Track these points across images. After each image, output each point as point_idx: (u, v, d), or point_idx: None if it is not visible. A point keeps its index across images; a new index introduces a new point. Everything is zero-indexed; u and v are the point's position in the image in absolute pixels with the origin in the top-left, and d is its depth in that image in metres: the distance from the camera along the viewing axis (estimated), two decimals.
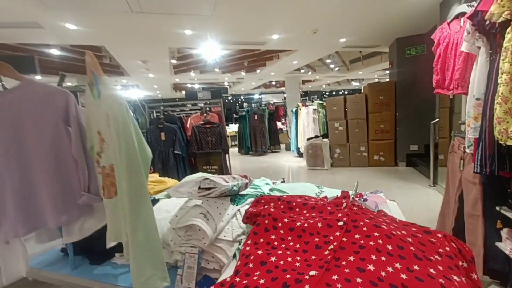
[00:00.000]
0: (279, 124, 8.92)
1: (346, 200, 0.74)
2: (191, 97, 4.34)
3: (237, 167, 6.17)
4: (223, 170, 3.32)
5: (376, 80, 11.62)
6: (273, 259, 0.58)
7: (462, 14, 1.84)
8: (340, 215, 0.66)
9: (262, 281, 0.52)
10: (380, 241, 0.55)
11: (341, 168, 5.27)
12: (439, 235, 0.58)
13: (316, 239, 0.62)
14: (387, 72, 6.35)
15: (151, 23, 3.69)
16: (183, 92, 10.58)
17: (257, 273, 0.55)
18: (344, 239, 0.59)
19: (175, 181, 1.59)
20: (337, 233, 0.61)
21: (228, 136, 8.38)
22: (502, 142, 1.24)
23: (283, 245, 0.64)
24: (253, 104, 9.67)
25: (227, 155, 3.63)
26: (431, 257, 0.51)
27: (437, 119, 3.71)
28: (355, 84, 13.73)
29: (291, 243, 0.64)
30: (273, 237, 0.67)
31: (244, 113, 7.64)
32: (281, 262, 0.56)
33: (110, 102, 0.85)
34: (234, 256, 0.86)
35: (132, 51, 5.13)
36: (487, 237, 1.63)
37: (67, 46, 5.06)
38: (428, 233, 0.60)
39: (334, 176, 4.85)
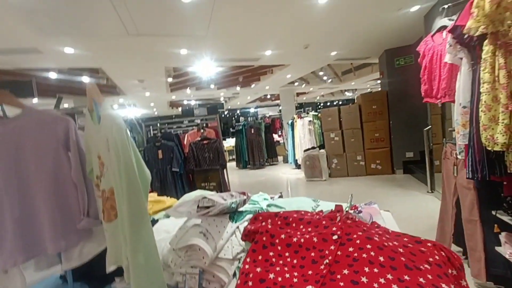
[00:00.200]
0: (275, 136, 8.99)
1: (340, 213, 0.76)
2: (188, 113, 4.41)
3: (236, 181, 6.15)
4: (222, 186, 3.33)
5: (369, 89, 11.86)
6: (271, 276, 0.60)
7: (444, 27, 1.94)
8: (334, 228, 0.68)
9: None
10: (372, 253, 0.57)
11: (339, 178, 5.29)
12: (429, 244, 0.60)
13: (312, 254, 0.64)
14: (379, 81, 6.51)
15: (147, 44, 3.80)
16: (180, 109, 10.70)
17: None
18: (339, 252, 0.61)
19: (174, 200, 1.60)
20: (332, 247, 0.63)
21: (225, 151, 8.43)
22: (489, 148, 1.28)
23: (281, 262, 0.66)
24: (249, 118, 9.77)
25: (225, 170, 3.65)
26: (421, 267, 0.53)
27: (430, 126, 3.78)
28: (348, 94, 13.99)
29: (289, 259, 0.66)
30: (271, 253, 0.69)
31: (240, 127, 7.71)
32: (279, 279, 0.58)
33: (110, 126, 0.88)
34: (235, 274, 0.87)
35: (129, 71, 5.24)
36: (487, 242, 1.64)
37: (64, 69, 5.15)
38: (418, 243, 0.62)
39: (332, 186, 4.86)
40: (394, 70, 5.15)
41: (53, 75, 5.19)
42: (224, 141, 9.02)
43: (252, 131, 7.48)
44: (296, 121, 6.37)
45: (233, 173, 7.09)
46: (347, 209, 0.84)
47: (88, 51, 3.81)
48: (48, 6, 2.51)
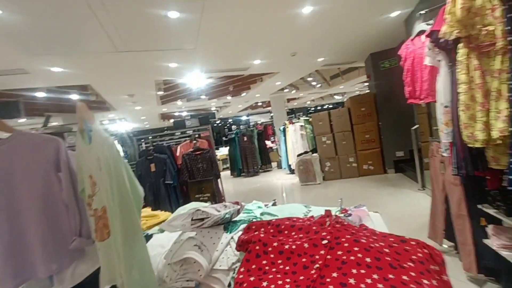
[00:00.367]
0: (268, 142, 9.03)
1: (329, 218, 0.79)
2: (180, 125, 4.40)
3: (230, 190, 6.13)
4: (216, 197, 3.32)
5: (357, 92, 12.11)
6: (264, 284, 0.61)
7: (422, 31, 2.03)
8: (324, 233, 0.71)
9: None
10: (360, 255, 0.59)
11: (333, 181, 5.34)
12: (413, 243, 0.63)
13: (304, 260, 0.66)
14: (366, 84, 6.67)
15: (136, 59, 3.82)
16: (171, 121, 10.67)
17: None
18: (329, 256, 0.63)
19: (168, 214, 1.59)
20: (322, 252, 0.65)
21: (219, 160, 8.41)
22: (471, 145, 1.34)
23: (274, 269, 0.67)
24: (241, 126, 9.81)
25: (219, 180, 3.64)
26: (405, 265, 0.56)
27: (417, 125, 3.89)
28: (337, 98, 14.24)
29: (281, 266, 0.68)
30: (264, 262, 0.70)
31: (233, 135, 7.74)
32: (272, 286, 0.60)
33: (101, 145, 0.90)
34: (229, 285, 0.88)
35: (119, 86, 5.23)
36: (476, 236, 1.69)
37: (52, 87, 5.11)
38: (403, 242, 0.65)
39: (327, 189, 4.89)
40: (380, 72, 5.30)
41: (41, 94, 5.15)
42: (217, 150, 9.01)
43: (245, 139, 7.51)
44: (288, 127, 6.43)
45: (227, 181, 7.06)
46: (337, 212, 0.86)
47: (76, 69, 3.81)
48: (34, 27, 2.52)
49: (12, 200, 1.01)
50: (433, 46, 1.65)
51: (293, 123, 6.34)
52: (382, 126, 5.21)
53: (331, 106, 15.33)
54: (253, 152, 7.51)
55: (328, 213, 0.83)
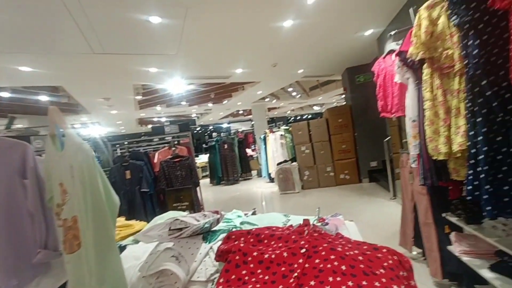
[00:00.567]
0: (249, 151, 9.05)
1: (307, 227, 0.81)
2: (158, 131, 4.29)
3: (210, 199, 6.03)
4: (194, 205, 3.24)
5: (335, 104, 12.61)
6: None
7: (392, 50, 2.19)
8: (302, 242, 0.73)
9: None
10: (336, 263, 0.62)
11: (312, 190, 5.45)
12: (384, 250, 0.67)
13: (283, 269, 0.67)
14: (343, 96, 6.98)
15: (113, 62, 3.70)
16: (149, 126, 10.34)
17: None
18: (307, 265, 0.65)
19: (143, 224, 1.54)
20: (300, 260, 0.67)
21: (198, 167, 8.25)
22: (434, 158, 1.45)
23: (253, 279, 0.68)
24: (222, 133, 9.76)
25: (198, 189, 3.58)
26: (377, 272, 0.59)
27: (389, 137, 4.12)
28: (316, 109, 14.72)
29: (261, 276, 0.68)
30: (243, 272, 0.71)
31: (213, 143, 7.67)
32: None
33: (75, 153, 0.86)
34: None
35: (94, 89, 5.00)
36: (441, 243, 1.81)
37: (18, 88, 4.77)
38: (376, 249, 0.69)
39: (305, 198, 4.98)
40: (356, 86, 5.59)
41: (5, 94, 4.78)
42: (197, 158, 8.85)
43: (226, 147, 7.47)
44: (268, 136, 6.51)
45: (207, 190, 6.94)
46: (315, 222, 0.89)
47: (47, 70, 3.59)
48: (0, 20, 2.36)
49: None
50: (402, 65, 1.79)
51: (273, 132, 6.44)
52: (357, 137, 5.46)
53: (310, 116, 15.78)
54: (233, 160, 7.47)
55: (306, 222, 0.85)
